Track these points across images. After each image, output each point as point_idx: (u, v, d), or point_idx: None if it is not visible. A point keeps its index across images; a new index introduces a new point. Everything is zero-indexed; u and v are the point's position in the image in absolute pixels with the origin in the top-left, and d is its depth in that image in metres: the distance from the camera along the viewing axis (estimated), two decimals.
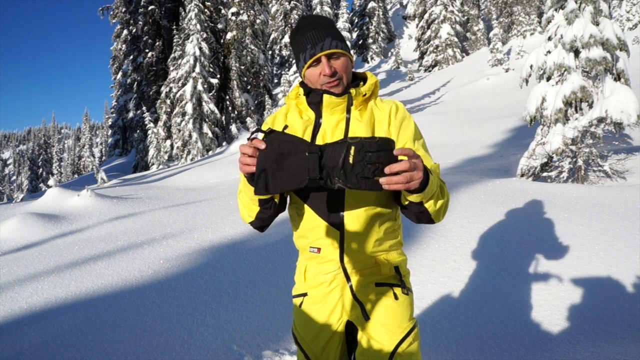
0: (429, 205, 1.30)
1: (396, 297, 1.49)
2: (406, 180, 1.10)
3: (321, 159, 1.15)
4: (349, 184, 1.12)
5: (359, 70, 1.54)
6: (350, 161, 1.11)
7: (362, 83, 1.50)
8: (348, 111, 1.46)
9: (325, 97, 1.42)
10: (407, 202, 1.31)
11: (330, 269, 1.48)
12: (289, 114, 1.52)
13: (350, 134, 1.42)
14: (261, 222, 1.49)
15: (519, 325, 2.97)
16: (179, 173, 13.15)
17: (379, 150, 1.09)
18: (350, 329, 1.57)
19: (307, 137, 1.44)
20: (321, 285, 1.51)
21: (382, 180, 1.09)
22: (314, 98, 1.45)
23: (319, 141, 1.43)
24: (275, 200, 1.45)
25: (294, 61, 19.51)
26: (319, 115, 1.47)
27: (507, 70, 21.29)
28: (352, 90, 1.44)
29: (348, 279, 1.47)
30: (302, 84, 1.51)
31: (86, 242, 5.23)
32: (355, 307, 1.48)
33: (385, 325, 1.47)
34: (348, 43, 21.12)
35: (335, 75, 1.40)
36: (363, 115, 1.46)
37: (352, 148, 1.11)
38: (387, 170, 1.09)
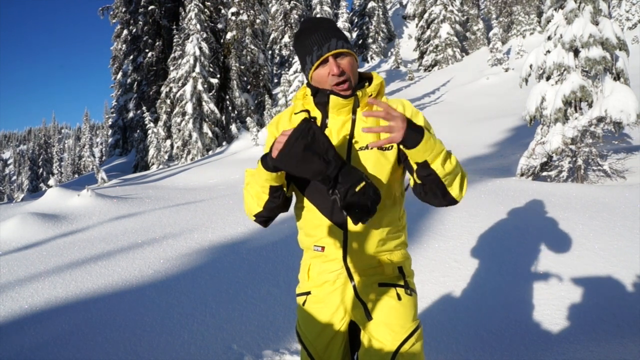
0: (436, 167, 1.30)
1: (399, 298, 1.49)
2: (385, 129, 1.26)
3: (338, 171, 1.31)
4: (340, 203, 1.31)
5: (359, 70, 1.55)
6: (356, 190, 1.29)
7: (367, 84, 1.51)
8: (354, 112, 1.48)
9: (332, 98, 1.43)
10: (416, 168, 1.34)
11: (334, 267, 1.49)
12: (295, 114, 1.55)
13: (355, 135, 1.46)
14: (268, 213, 1.51)
15: (519, 325, 2.97)
16: (179, 173, 13.15)
17: (375, 196, 1.31)
18: (354, 329, 1.56)
19: None
20: (325, 284, 1.52)
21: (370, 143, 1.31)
22: (321, 98, 1.47)
23: None
24: (284, 189, 1.48)
25: (294, 61, 19.56)
26: (325, 116, 1.49)
27: (507, 69, 21.26)
28: (359, 92, 1.45)
29: (351, 278, 1.48)
30: (308, 84, 1.52)
31: (86, 242, 5.23)
32: (358, 306, 1.49)
33: (388, 326, 1.46)
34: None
35: (343, 75, 1.41)
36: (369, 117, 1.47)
37: (363, 182, 1.30)
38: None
